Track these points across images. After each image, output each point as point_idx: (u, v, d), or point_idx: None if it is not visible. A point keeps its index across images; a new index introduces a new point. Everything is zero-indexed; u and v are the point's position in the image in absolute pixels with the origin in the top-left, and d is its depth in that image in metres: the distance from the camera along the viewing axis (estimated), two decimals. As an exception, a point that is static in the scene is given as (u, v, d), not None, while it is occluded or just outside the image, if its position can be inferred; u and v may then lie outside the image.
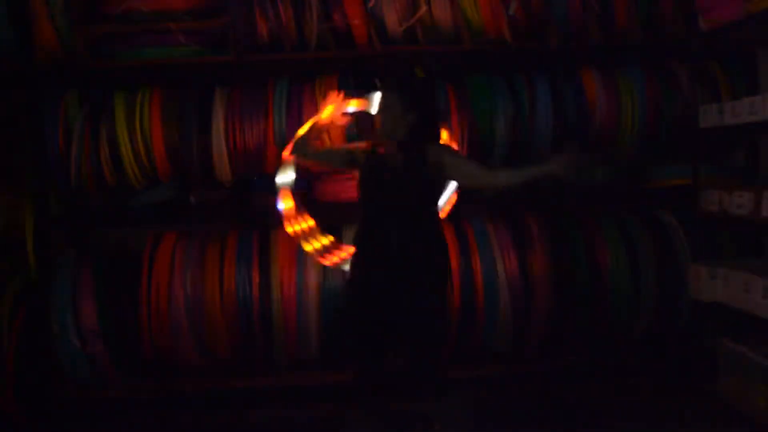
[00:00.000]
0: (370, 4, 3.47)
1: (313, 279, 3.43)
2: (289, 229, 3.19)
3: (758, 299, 2.96)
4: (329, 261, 3.23)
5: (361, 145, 2.92)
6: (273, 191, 3.18)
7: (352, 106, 3.18)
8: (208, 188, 3.72)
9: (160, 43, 3.52)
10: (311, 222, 3.31)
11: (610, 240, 3.59)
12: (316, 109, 3.48)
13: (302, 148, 3.01)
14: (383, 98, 2.79)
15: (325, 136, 3.51)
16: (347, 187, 3.64)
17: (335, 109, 3.08)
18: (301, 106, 3.55)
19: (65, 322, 3.33)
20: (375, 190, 2.76)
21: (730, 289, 3.19)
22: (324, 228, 3.64)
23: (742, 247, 3.67)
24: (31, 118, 3.55)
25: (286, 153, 3.14)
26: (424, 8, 3.49)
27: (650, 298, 3.56)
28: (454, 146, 3.26)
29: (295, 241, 3.26)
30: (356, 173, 2.88)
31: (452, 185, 3.12)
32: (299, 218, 3.24)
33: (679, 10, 3.64)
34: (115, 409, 3.48)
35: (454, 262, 3.45)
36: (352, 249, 2.94)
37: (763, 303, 2.94)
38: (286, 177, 3.16)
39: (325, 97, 3.47)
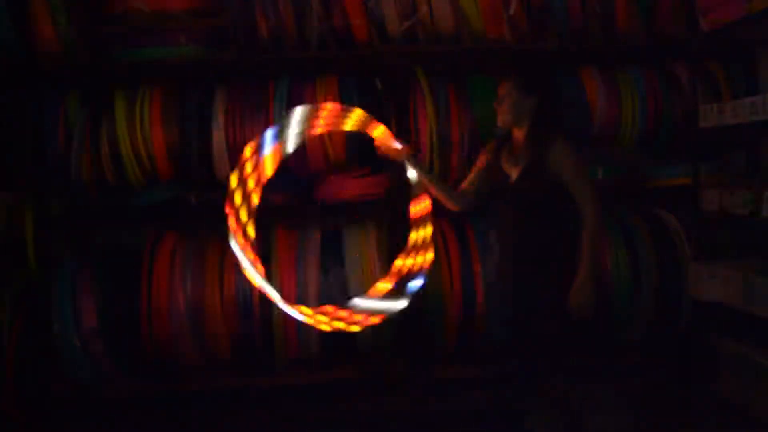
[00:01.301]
0: (370, 4, 3.48)
1: (313, 278, 3.42)
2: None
3: (758, 299, 2.96)
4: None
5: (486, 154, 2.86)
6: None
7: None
8: (208, 188, 3.71)
9: (160, 43, 3.52)
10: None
11: (610, 240, 3.59)
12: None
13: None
14: (500, 88, 2.72)
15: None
16: (347, 187, 3.64)
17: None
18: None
19: (65, 322, 3.33)
20: (500, 184, 2.73)
21: (730, 289, 3.19)
22: (324, 228, 3.66)
23: (742, 247, 3.68)
24: (31, 117, 3.55)
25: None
26: (424, 8, 3.50)
27: (650, 298, 3.56)
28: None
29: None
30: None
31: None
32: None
33: (679, 10, 3.64)
34: (115, 409, 3.48)
35: (455, 264, 3.48)
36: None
37: (763, 303, 2.94)
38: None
39: (325, 96, 3.49)
